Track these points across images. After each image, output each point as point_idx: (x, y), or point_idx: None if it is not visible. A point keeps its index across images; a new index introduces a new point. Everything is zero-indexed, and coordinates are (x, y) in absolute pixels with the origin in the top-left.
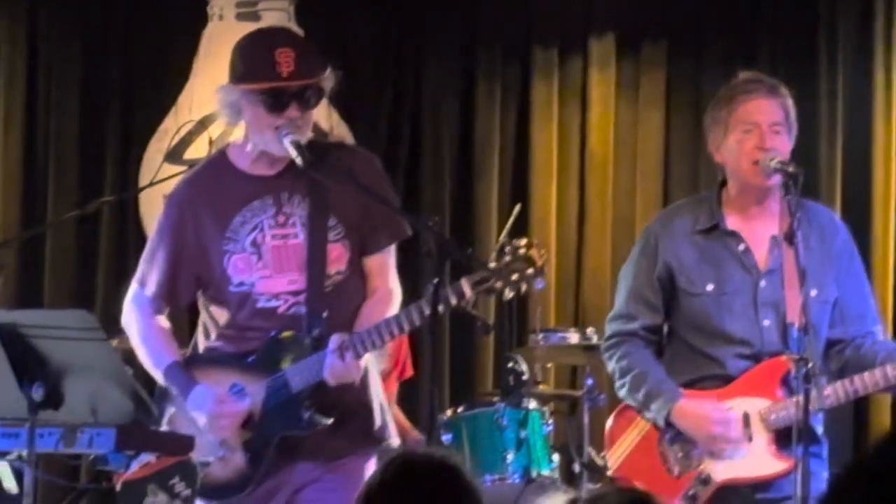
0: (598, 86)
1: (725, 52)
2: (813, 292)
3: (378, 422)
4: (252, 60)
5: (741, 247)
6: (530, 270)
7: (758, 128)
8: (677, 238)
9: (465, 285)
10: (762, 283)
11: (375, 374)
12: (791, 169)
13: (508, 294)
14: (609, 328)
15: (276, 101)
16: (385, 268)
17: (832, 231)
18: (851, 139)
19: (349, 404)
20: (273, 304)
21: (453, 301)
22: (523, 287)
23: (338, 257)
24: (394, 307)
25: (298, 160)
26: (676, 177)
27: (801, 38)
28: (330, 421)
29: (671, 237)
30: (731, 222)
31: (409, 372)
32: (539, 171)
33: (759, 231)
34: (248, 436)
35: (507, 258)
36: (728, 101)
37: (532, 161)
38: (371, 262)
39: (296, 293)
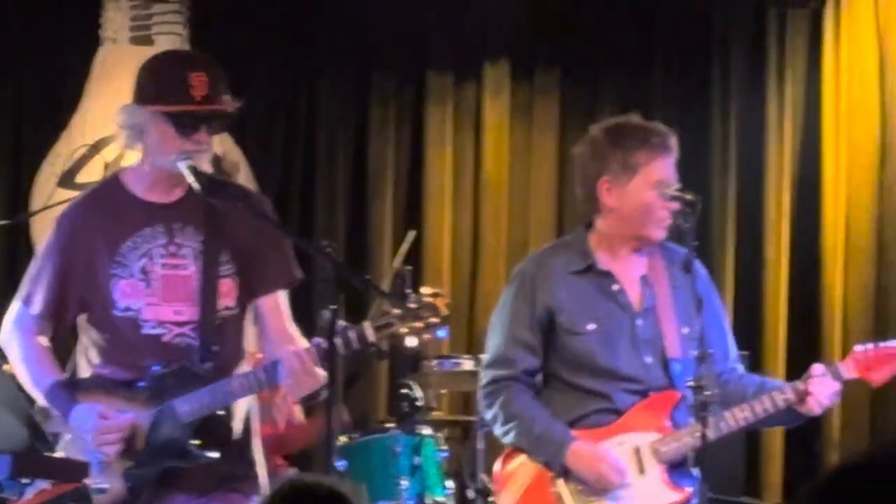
0: (492, 112)
1: (619, 80)
2: (685, 330)
3: (257, 461)
4: (165, 82)
5: (615, 287)
6: (434, 319)
7: (665, 186)
8: (554, 279)
9: (369, 329)
10: (639, 322)
11: (255, 415)
12: (689, 197)
13: (411, 341)
14: (487, 374)
15: (186, 125)
16: (279, 310)
17: (695, 271)
18: (744, 169)
19: (234, 440)
20: (158, 331)
21: (355, 345)
22: (426, 336)
23: (227, 292)
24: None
25: (195, 185)
26: (570, 202)
27: (695, 68)
28: (216, 455)
29: (548, 278)
30: (603, 262)
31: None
32: (433, 196)
33: (629, 271)
34: (130, 464)
35: (413, 305)
36: (640, 151)
37: (426, 186)
38: (263, 304)
39: (181, 324)
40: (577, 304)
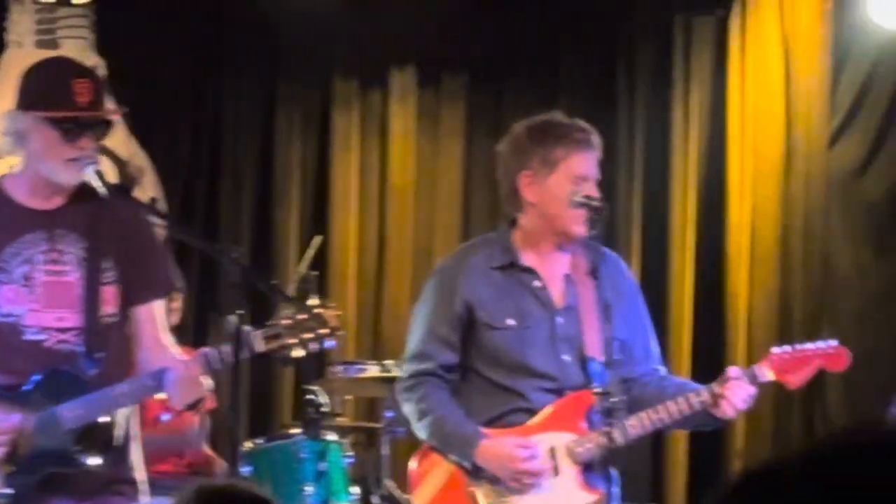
0: (398, 117)
1: (526, 85)
2: (606, 329)
3: (136, 466)
4: (49, 88)
5: (537, 283)
6: (323, 330)
7: (587, 182)
8: (474, 275)
9: (258, 340)
10: (559, 320)
11: (135, 419)
12: (596, 203)
13: (299, 352)
14: (405, 369)
15: (71, 131)
16: (154, 319)
17: (619, 273)
18: (649, 175)
19: (116, 446)
20: (40, 337)
21: (244, 354)
22: (313, 346)
23: (110, 299)
24: (167, 357)
25: (103, 190)
26: (476, 208)
27: (601, 73)
28: (99, 461)
29: (468, 274)
30: (526, 259)
31: (210, 404)
32: (339, 201)
33: (552, 268)
34: (12, 469)
35: (302, 316)
36: (559, 146)
37: (332, 192)
38: (140, 313)
39: (63, 330)
40: (496, 299)
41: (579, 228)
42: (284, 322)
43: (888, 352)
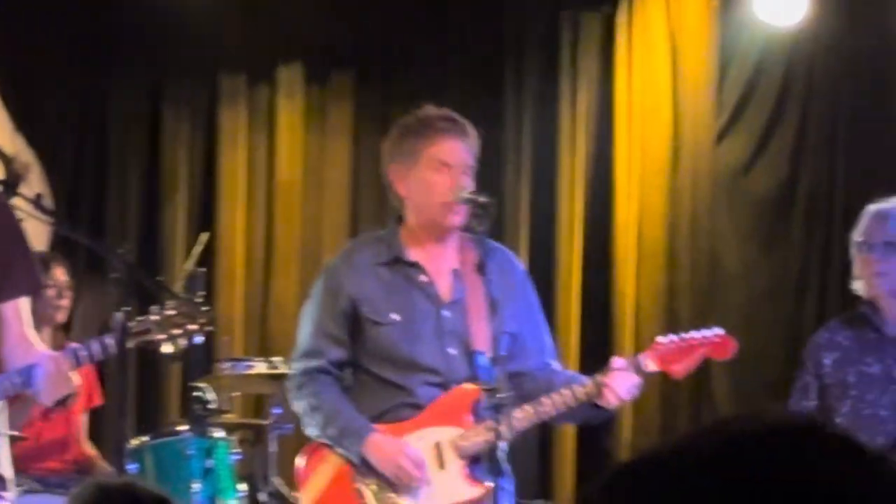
0: (285, 114)
1: (412, 82)
2: (494, 326)
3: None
4: None
5: (423, 278)
6: (192, 326)
7: (451, 169)
8: (360, 271)
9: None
10: (445, 314)
11: (3, 415)
12: (482, 199)
13: (168, 348)
14: (295, 366)
15: None
16: (20, 315)
17: (510, 267)
18: (537, 173)
19: None
20: None
21: (112, 350)
22: (182, 342)
23: None
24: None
25: None
26: (363, 205)
27: (489, 70)
28: None
29: (354, 271)
30: (413, 254)
31: (97, 401)
32: (226, 198)
33: (439, 263)
34: None
35: (171, 312)
36: (421, 136)
37: (219, 188)
38: (6, 310)
39: None
40: (382, 295)
41: (452, 219)
42: (153, 318)
43: (775, 349)
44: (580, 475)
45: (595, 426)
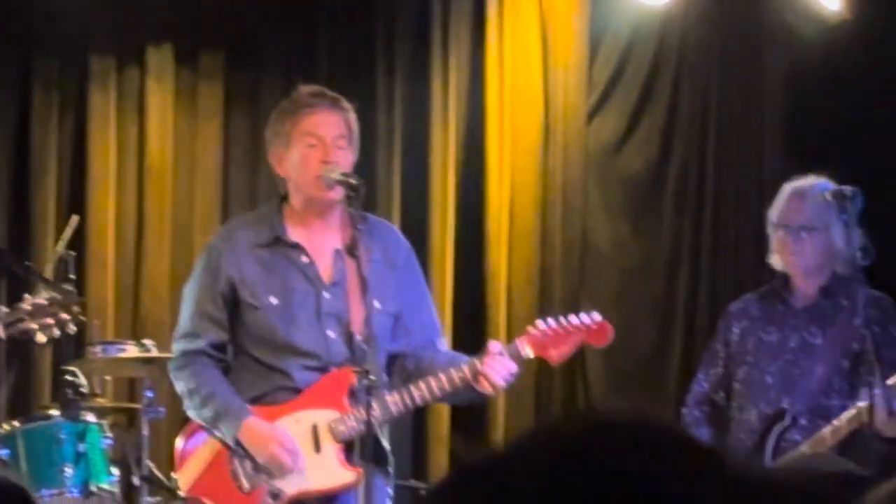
0: (155, 96)
1: (283, 64)
2: (377, 304)
3: None
4: None
5: (304, 259)
6: (65, 316)
7: (322, 142)
8: (239, 252)
9: None
10: (326, 296)
11: None
12: (353, 181)
13: (41, 338)
14: (176, 348)
15: None
16: None
17: (395, 245)
18: (409, 153)
19: None
20: None
21: None
22: (56, 332)
23: None
24: None
25: None
26: (235, 187)
27: (359, 50)
28: None
29: (233, 251)
30: (294, 235)
31: None
32: (96, 181)
33: (322, 244)
34: None
35: (43, 301)
36: (291, 114)
37: (89, 171)
38: None
39: None
40: (260, 277)
41: (329, 193)
42: (25, 307)
43: (647, 327)
44: (454, 456)
45: (469, 406)
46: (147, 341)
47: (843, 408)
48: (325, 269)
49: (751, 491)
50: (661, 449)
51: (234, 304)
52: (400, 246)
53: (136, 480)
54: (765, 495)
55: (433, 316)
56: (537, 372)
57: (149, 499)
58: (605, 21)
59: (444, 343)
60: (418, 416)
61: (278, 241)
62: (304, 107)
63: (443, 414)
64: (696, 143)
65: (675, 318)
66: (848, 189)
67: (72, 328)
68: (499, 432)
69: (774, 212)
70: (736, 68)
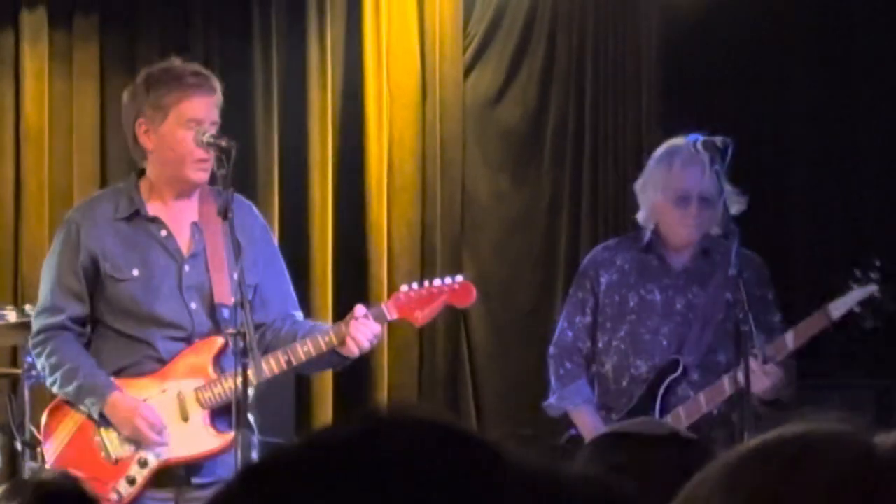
0: (30, 59)
1: (159, 26)
2: (235, 275)
3: None
4: None
5: (163, 232)
6: None
7: (202, 125)
8: (99, 225)
9: None
10: (186, 268)
11: None
12: (224, 143)
13: None
14: (36, 323)
15: None
16: None
17: (250, 218)
18: (287, 112)
19: None
20: None
21: None
22: None
23: None
24: None
25: None
26: (113, 149)
27: (234, 8)
28: None
29: (93, 225)
30: (153, 209)
31: None
32: None
33: (179, 217)
34: None
35: None
36: (172, 91)
37: None
38: None
39: None
40: (121, 250)
41: (198, 174)
42: None
43: (526, 278)
44: (337, 412)
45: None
46: (27, 307)
47: (730, 364)
48: (184, 242)
49: (529, 490)
50: (438, 447)
51: (94, 278)
52: (255, 219)
53: (18, 445)
54: (544, 495)
55: (290, 288)
56: (420, 328)
57: (31, 463)
58: None
59: (301, 315)
60: (301, 380)
61: (137, 215)
62: (187, 86)
63: (326, 375)
64: (573, 94)
65: (556, 268)
66: (719, 139)
67: None
68: (383, 388)
69: (661, 176)
70: (611, 16)
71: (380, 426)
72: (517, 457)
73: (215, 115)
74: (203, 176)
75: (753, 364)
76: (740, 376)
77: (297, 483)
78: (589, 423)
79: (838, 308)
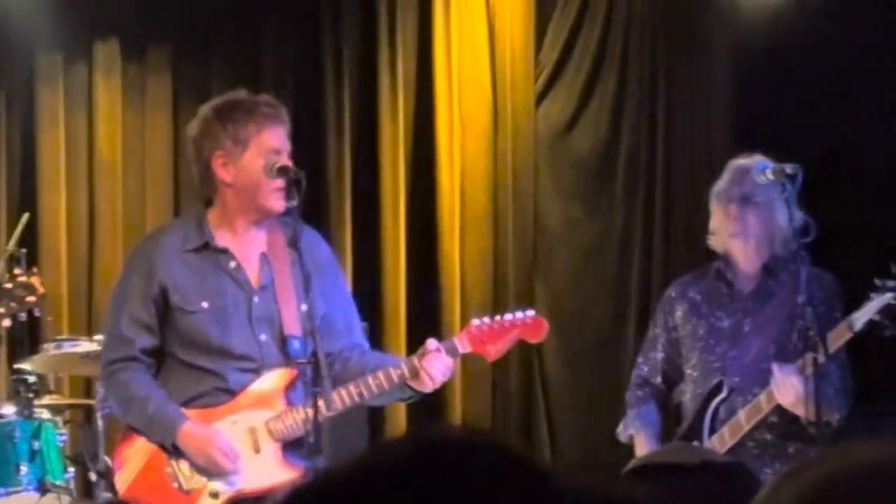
0: (104, 91)
1: (231, 56)
2: (304, 306)
3: None
4: None
5: (232, 264)
6: (31, 298)
7: (280, 154)
8: (169, 257)
9: None
10: (255, 299)
11: None
12: (294, 174)
13: (6, 322)
14: (106, 354)
15: None
16: None
17: (316, 247)
18: (358, 142)
19: None
20: None
21: None
22: (23, 315)
23: None
24: None
25: None
26: (185, 180)
27: (306, 42)
28: None
29: (163, 256)
30: (221, 240)
31: None
32: (47, 179)
33: (248, 248)
34: None
35: (8, 286)
36: (249, 123)
37: (39, 168)
38: None
39: None
40: (191, 282)
41: (278, 204)
42: None
43: (599, 307)
44: None
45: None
46: (100, 336)
47: None
48: (254, 273)
49: None
50: (488, 469)
51: (164, 309)
52: (321, 248)
53: (92, 476)
54: None
55: (357, 317)
56: None
57: (106, 494)
58: (552, 2)
59: (367, 345)
60: (374, 411)
61: (206, 247)
62: (264, 118)
63: (400, 405)
64: (645, 122)
65: (628, 297)
66: (789, 166)
67: (37, 311)
68: (456, 419)
69: (717, 186)
70: (682, 44)
71: (428, 448)
72: (567, 480)
73: (289, 145)
74: (282, 205)
75: (778, 374)
76: (776, 392)
77: None
78: (644, 448)
79: (860, 318)
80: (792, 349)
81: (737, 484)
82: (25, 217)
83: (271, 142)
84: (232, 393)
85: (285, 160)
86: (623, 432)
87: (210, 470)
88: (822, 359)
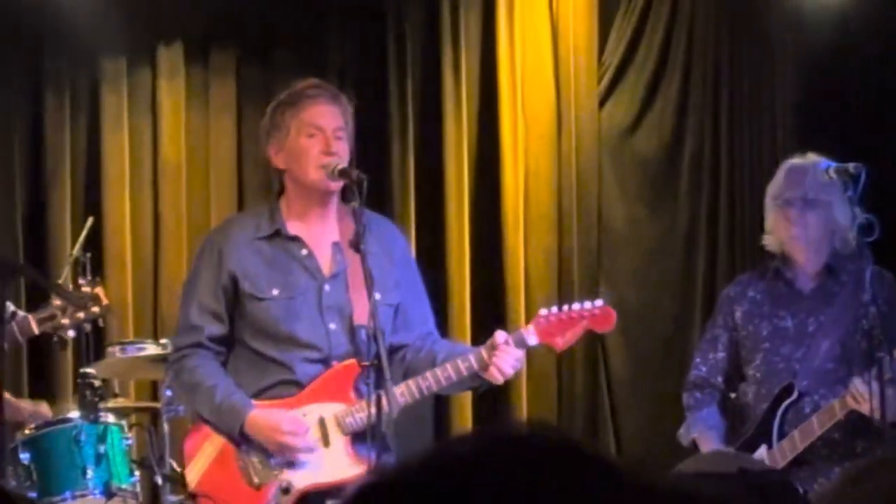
0: (167, 94)
1: (294, 58)
2: (377, 296)
3: None
4: None
5: (304, 252)
6: (96, 309)
7: (322, 132)
8: (240, 245)
9: (32, 322)
10: (326, 288)
11: None
12: (355, 175)
13: (71, 333)
14: (175, 342)
15: None
16: None
17: (391, 238)
18: (423, 142)
19: None
20: None
21: (19, 336)
22: (88, 327)
23: None
24: None
25: None
26: (250, 183)
27: (370, 43)
28: None
29: (234, 245)
30: (293, 228)
31: None
32: (111, 182)
33: (320, 236)
34: None
35: (74, 297)
36: (291, 105)
37: (104, 172)
38: None
39: None
40: (262, 269)
41: (317, 174)
42: (56, 303)
43: (664, 307)
44: None
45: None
46: (165, 340)
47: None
48: (325, 262)
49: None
50: (559, 464)
51: (234, 298)
52: (396, 238)
53: (158, 480)
54: None
55: (429, 307)
56: (559, 356)
57: (172, 497)
58: (615, 2)
59: (437, 334)
60: (440, 407)
61: (278, 235)
62: (305, 98)
63: (465, 403)
64: (709, 122)
65: (693, 296)
66: (852, 166)
67: (101, 321)
68: (521, 417)
69: (773, 188)
70: (746, 44)
71: (497, 444)
72: (640, 476)
73: (339, 122)
74: (333, 184)
75: (860, 386)
76: (849, 398)
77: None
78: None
79: None
80: (856, 349)
81: (772, 494)
82: (90, 222)
83: (310, 118)
84: (300, 385)
85: (330, 140)
86: (685, 436)
87: (283, 454)
88: (887, 358)
